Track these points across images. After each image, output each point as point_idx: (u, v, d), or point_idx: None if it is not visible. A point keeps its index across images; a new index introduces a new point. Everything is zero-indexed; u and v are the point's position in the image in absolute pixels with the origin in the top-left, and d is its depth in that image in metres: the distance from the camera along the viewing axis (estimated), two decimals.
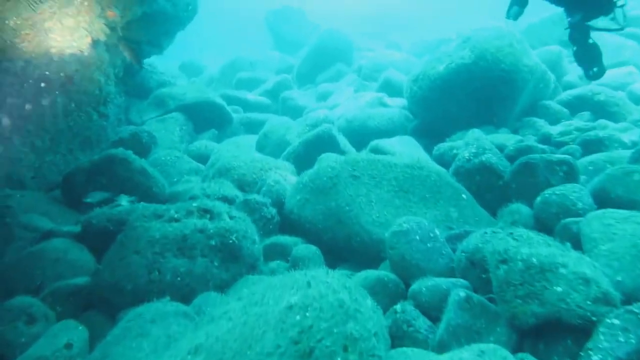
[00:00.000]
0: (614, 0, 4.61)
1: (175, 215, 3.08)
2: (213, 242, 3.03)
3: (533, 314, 1.97)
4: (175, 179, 5.04)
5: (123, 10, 4.52)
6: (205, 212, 3.23)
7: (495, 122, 4.87)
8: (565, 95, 6.30)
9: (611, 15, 4.73)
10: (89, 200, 3.74)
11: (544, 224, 3.09)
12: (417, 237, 2.89)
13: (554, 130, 5.06)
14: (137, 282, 2.74)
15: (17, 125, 4.15)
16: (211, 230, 3.04)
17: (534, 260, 2.08)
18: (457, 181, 3.96)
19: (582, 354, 1.81)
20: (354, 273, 2.90)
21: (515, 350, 1.99)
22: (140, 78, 8.35)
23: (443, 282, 2.43)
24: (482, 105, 4.93)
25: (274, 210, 3.84)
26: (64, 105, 4.79)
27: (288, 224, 3.85)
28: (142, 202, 3.56)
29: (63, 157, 4.94)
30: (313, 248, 3.41)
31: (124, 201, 3.47)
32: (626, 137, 4.61)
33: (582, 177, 3.75)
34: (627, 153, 3.95)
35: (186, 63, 15.16)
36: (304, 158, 4.99)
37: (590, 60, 5.12)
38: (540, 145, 4.41)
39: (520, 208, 3.36)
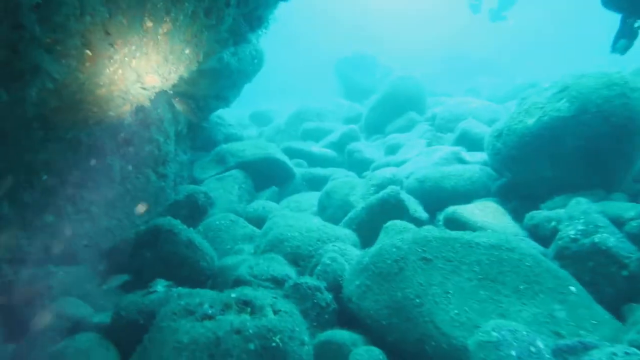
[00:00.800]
0: None
1: (210, 312, 2.61)
2: (252, 346, 2.50)
3: None
4: (228, 246, 4.66)
5: (177, 69, 4.37)
6: (245, 304, 2.74)
7: (606, 186, 3.92)
8: None
9: None
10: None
11: None
12: (513, 353, 2.27)
13: None
14: None
15: (71, 193, 4.03)
16: (250, 331, 2.53)
17: None
18: (561, 266, 3.13)
19: None
20: None
21: None
22: (208, 131, 8.40)
23: None
24: (588, 165, 4.01)
25: (329, 297, 3.26)
26: (121, 168, 4.68)
27: (347, 312, 3.24)
28: (179, 288, 3.14)
29: (119, 223, 4.78)
30: (376, 352, 2.76)
31: (160, 287, 3.08)
32: None
33: None
34: None
35: (256, 112, 15.43)
36: (367, 225, 4.39)
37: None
38: None
39: None
